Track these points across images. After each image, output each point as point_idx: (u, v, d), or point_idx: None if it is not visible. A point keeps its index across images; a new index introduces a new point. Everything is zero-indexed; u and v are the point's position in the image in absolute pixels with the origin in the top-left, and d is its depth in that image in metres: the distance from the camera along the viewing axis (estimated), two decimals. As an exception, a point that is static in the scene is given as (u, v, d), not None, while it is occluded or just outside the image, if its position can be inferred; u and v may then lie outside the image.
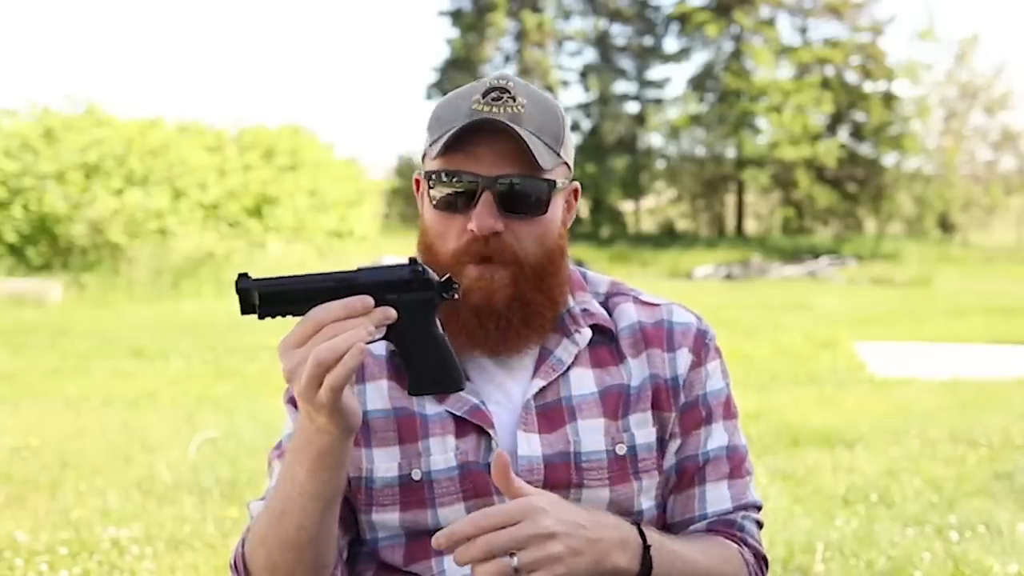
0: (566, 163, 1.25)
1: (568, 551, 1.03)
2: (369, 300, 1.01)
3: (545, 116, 1.22)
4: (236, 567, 1.20)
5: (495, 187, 1.18)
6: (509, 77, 1.24)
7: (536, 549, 1.02)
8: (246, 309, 1.05)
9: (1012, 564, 3.18)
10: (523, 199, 1.19)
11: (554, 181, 1.22)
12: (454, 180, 1.19)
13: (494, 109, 1.19)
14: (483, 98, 1.20)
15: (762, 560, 1.28)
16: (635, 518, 1.25)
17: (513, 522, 1.02)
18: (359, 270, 1.06)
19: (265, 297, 1.04)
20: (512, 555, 1.00)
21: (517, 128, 1.17)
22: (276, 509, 1.12)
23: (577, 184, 1.31)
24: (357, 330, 0.99)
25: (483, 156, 1.18)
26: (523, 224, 1.20)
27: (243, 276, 1.04)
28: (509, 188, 1.18)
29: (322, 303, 1.02)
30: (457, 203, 1.20)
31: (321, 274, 1.06)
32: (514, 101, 1.20)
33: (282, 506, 1.11)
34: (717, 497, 1.28)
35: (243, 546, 1.19)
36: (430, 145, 1.24)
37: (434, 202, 1.22)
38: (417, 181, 1.30)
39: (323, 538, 1.14)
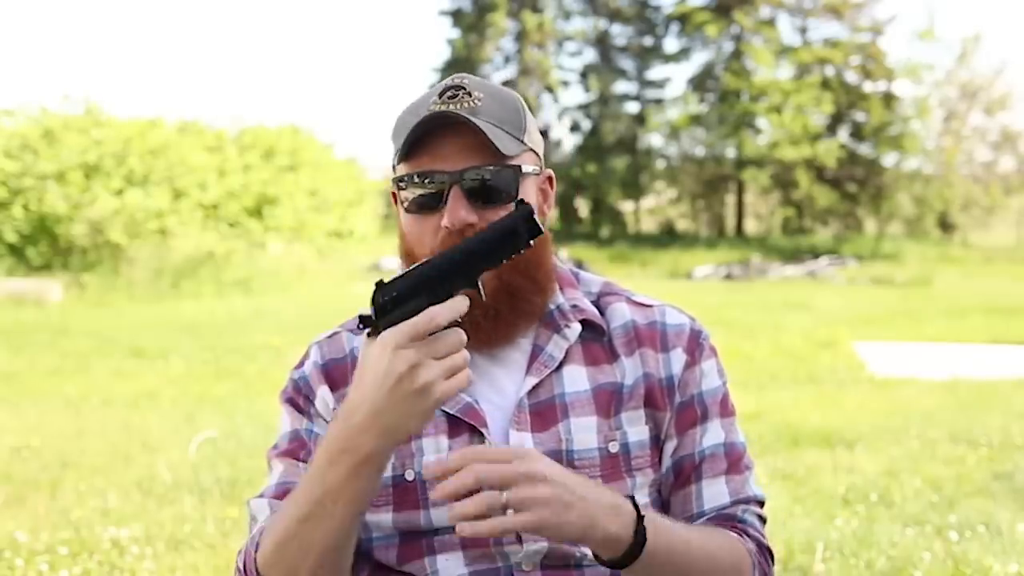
0: (532, 151, 1.26)
1: (557, 500, 1.01)
2: (466, 299, 1.02)
3: (503, 107, 1.23)
4: (246, 571, 1.18)
5: (462, 180, 1.19)
6: (465, 76, 1.25)
7: (526, 488, 1.00)
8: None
9: (1012, 564, 3.18)
10: (491, 188, 1.20)
11: (520, 167, 1.23)
12: (424, 181, 1.21)
13: (451, 106, 1.20)
14: (439, 98, 1.22)
15: (766, 551, 1.27)
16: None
17: (506, 460, 1.01)
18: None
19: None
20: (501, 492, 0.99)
21: (474, 119, 1.18)
22: (298, 513, 1.10)
23: (550, 172, 1.32)
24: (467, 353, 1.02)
25: (447, 153, 1.20)
26: (496, 213, 1.20)
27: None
28: (476, 180, 1.19)
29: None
30: (428, 203, 1.21)
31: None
32: (470, 96, 1.21)
33: (308, 511, 1.09)
34: (714, 493, 1.27)
35: (256, 551, 1.16)
36: (395, 153, 1.25)
37: (406, 205, 1.24)
38: (394, 194, 1.31)
39: (347, 545, 1.13)
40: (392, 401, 1.01)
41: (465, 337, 1.02)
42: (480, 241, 1.05)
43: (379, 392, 1.02)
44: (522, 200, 1.05)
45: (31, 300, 13.27)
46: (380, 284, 1.05)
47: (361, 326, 1.06)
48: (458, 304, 1.02)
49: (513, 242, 1.04)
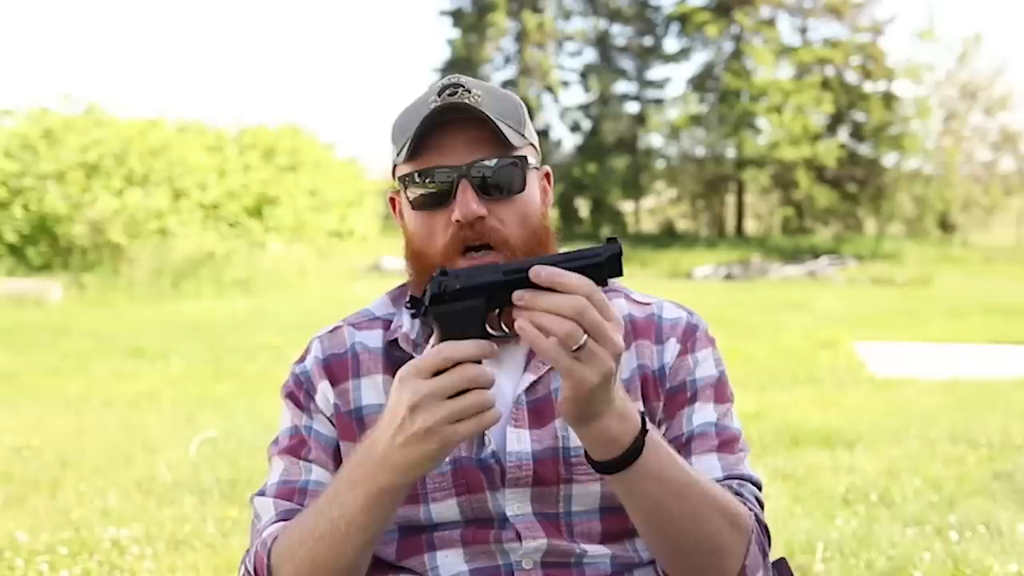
0: (532, 145, 1.27)
1: (609, 375, 1.00)
2: (495, 346, 1.01)
3: (502, 102, 1.24)
4: (256, 572, 1.18)
5: (470, 174, 1.19)
6: (460, 76, 1.26)
7: (603, 351, 0.98)
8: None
9: (1012, 564, 3.18)
10: (499, 180, 1.21)
11: (526, 158, 1.23)
12: (427, 180, 1.21)
13: (453, 102, 1.20)
14: (439, 96, 1.21)
15: (765, 529, 1.24)
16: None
17: (609, 319, 0.99)
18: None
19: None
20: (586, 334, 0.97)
21: (480, 110, 1.19)
22: (315, 529, 1.11)
23: (548, 168, 1.33)
24: (492, 394, 0.99)
25: (452, 148, 1.20)
26: (504, 205, 1.21)
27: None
28: (484, 172, 1.20)
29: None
30: (437, 199, 1.21)
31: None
32: (469, 93, 1.21)
33: (323, 528, 1.10)
34: (705, 468, 1.24)
35: (268, 557, 1.16)
36: (398, 153, 1.25)
37: (413, 203, 1.23)
38: (392, 200, 1.31)
39: (361, 565, 1.14)
40: (397, 440, 1.01)
41: (489, 377, 1.00)
42: (561, 265, 1.02)
43: (388, 429, 1.02)
44: (614, 237, 1.05)
45: (31, 300, 13.25)
46: (443, 271, 1.03)
47: (409, 305, 1.05)
48: (485, 348, 1.00)
49: (593, 276, 1.02)
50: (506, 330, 1.05)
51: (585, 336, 0.97)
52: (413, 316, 1.05)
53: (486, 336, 1.02)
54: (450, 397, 0.98)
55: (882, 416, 5.73)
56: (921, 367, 7.61)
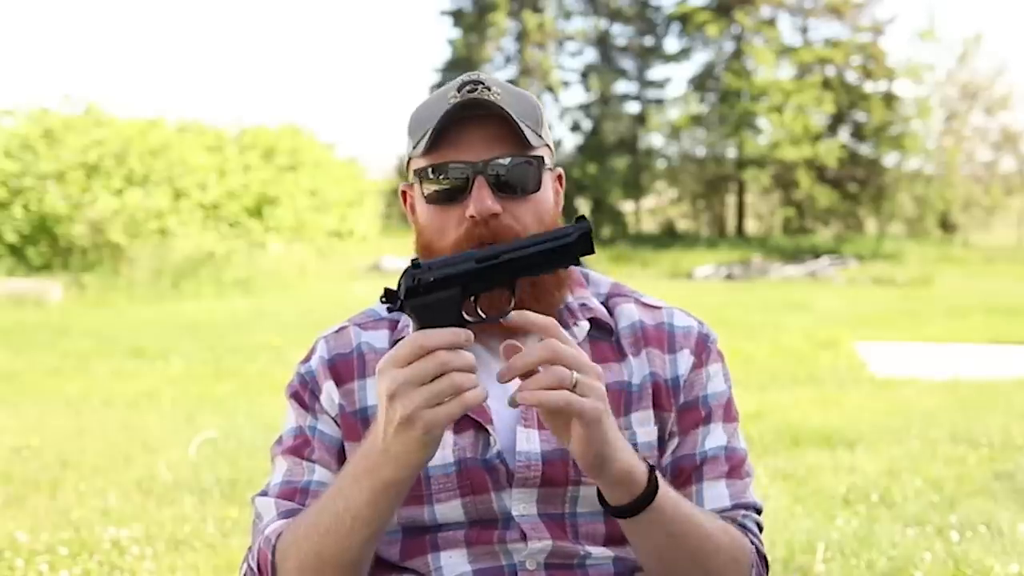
0: (548, 146, 1.27)
1: (605, 400, 1.04)
2: (470, 333, 1.01)
3: (521, 102, 1.24)
4: (261, 570, 1.18)
5: (487, 171, 1.19)
6: (480, 73, 1.26)
7: (592, 378, 1.02)
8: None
9: (1013, 564, 3.18)
10: (516, 178, 1.21)
11: (542, 158, 1.24)
12: (443, 175, 1.21)
13: (473, 98, 1.20)
14: (458, 92, 1.21)
15: (764, 559, 1.27)
16: None
17: (578, 353, 1.03)
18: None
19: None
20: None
21: (501, 107, 1.19)
22: (319, 524, 1.11)
23: (561, 170, 1.33)
24: (471, 376, 1.00)
25: (470, 143, 1.20)
26: (519, 203, 1.21)
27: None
28: (500, 170, 1.20)
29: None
30: (451, 194, 1.21)
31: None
32: (489, 91, 1.21)
33: (328, 523, 1.10)
34: (715, 495, 1.27)
35: (273, 554, 1.17)
36: (414, 147, 1.25)
37: (428, 197, 1.23)
38: (403, 193, 1.31)
39: (364, 560, 1.14)
40: (388, 431, 1.01)
41: (466, 359, 1.00)
42: (532, 247, 1.04)
43: (380, 421, 1.03)
44: (583, 216, 1.06)
45: (31, 300, 13.25)
46: (416, 263, 1.04)
47: (384, 299, 1.05)
48: (459, 335, 1.00)
49: (564, 256, 1.04)
50: (483, 315, 1.06)
51: (574, 373, 1.00)
52: (389, 310, 1.05)
53: (463, 324, 1.03)
54: (428, 383, 0.99)
55: (883, 416, 5.72)
56: (922, 367, 7.60)
